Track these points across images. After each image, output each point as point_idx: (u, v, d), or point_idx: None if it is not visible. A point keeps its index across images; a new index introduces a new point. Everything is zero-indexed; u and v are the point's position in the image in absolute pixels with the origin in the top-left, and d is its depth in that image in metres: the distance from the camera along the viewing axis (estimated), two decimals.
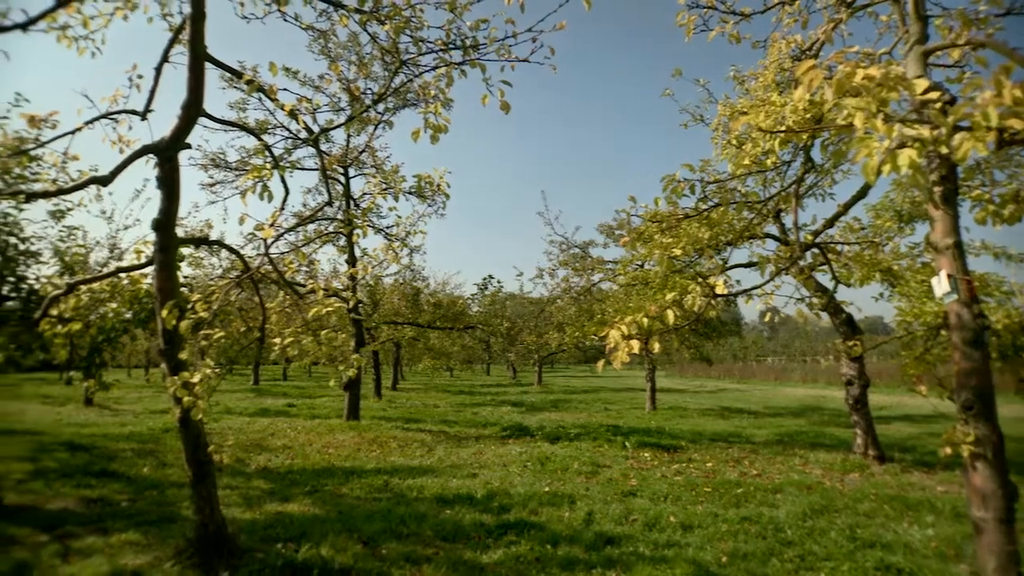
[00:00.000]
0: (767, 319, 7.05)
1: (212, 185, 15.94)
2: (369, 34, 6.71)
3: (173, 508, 7.20)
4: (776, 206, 9.70)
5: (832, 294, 10.32)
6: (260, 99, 13.92)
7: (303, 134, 12.84)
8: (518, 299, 34.60)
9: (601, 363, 4.45)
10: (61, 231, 8.73)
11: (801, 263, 8.35)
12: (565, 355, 43.22)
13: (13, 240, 8.23)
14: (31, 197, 5.75)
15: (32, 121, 6.13)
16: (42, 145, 6.06)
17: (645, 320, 4.25)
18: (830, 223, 9.93)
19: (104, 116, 6.13)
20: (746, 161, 5.75)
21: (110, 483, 8.41)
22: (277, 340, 4.73)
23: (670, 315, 4.34)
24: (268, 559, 5.38)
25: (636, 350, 4.14)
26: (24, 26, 5.41)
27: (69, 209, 8.90)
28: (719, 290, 4.83)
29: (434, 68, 6.16)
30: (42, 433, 12.63)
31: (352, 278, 12.70)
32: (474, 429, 15.14)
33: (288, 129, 15.00)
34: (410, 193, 14.81)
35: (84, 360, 8.15)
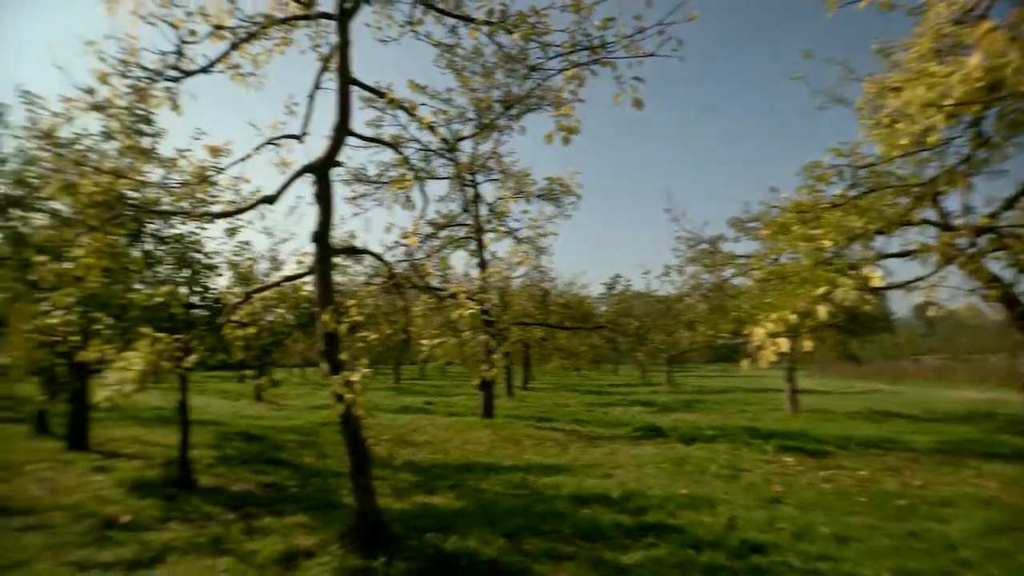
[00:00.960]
0: (929, 313, 6.28)
1: (355, 198, 17.22)
2: (496, 44, 6.93)
3: (334, 495, 7.87)
4: (936, 188, 8.61)
5: (1012, 285, 8.95)
6: (394, 115, 14.82)
7: (433, 145, 13.55)
8: (645, 297, 33.83)
9: (745, 362, 4.23)
10: (235, 247, 9.89)
11: (972, 250, 7.35)
12: (695, 354, 41.48)
13: (198, 256, 9.42)
14: (216, 217, 6.57)
15: (213, 151, 7.00)
16: (221, 171, 6.89)
17: (792, 317, 3.97)
18: (1009, 204, 8.61)
19: (269, 142, 6.84)
20: (903, 141, 5.16)
21: (280, 470, 9.41)
22: (425, 341, 5.00)
23: (821, 310, 4.02)
24: (420, 548, 5.70)
25: (784, 348, 3.89)
26: (206, 69, 6.20)
27: (240, 227, 10.10)
28: (874, 283, 4.38)
29: (562, 71, 6.22)
30: (223, 424, 14.43)
31: (484, 281, 13.14)
32: (606, 429, 15.03)
33: (419, 141, 15.83)
34: (539, 196, 14.99)
35: (257, 360, 9.18)
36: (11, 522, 6.44)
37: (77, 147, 8.85)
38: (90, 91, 5.91)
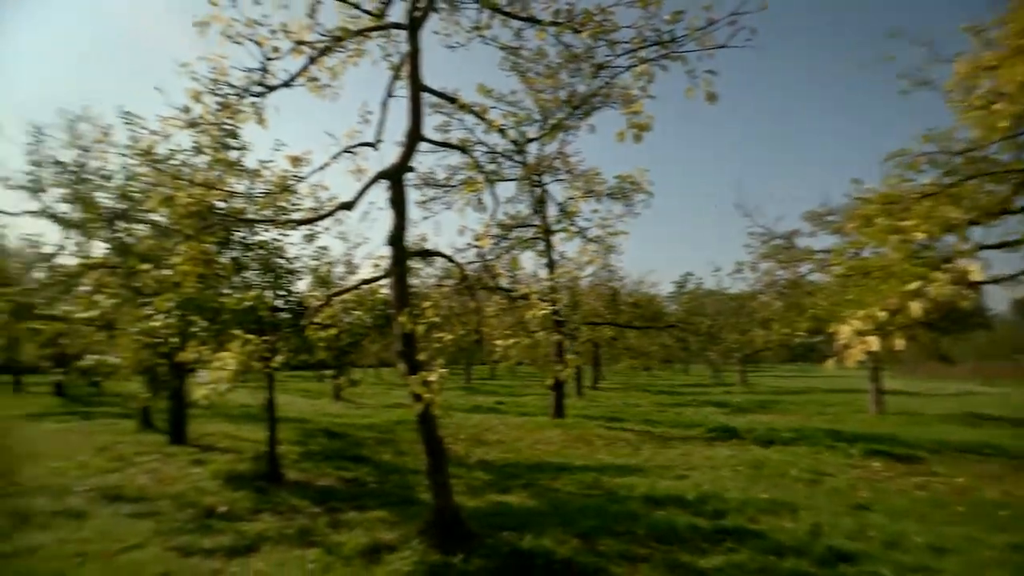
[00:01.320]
0: None
1: (424, 202, 17.64)
2: (563, 44, 6.92)
3: (412, 492, 8.09)
4: None
5: None
6: (461, 119, 15.04)
7: (500, 147, 13.67)
8: (717, 295, 32.89)
9: (831, 362, 4.04)
10: (314, 252, 10.37)
11: None
12: (770, 353, 39.88)
13: (281, 261, 9.91)
14: (299, 224, 6.90)
15: (294, 161, 7.36)
16: (302, 180, 7.23)
17: (882, 314, 3.76)
18: None
19: (345, 150, 7.11)
20: (1001, 123, 4.77)
21: (361, 467, 9.76)
22: (499, 341, 5.07)
23: (915, 307, 3.78)
24: (496, 545, 5.77)
25: (874, 347, 3.68)
26: (288, 83, 6.52)
27: (318, 232, 10.63)
28: (974, 277, 4.06)
29: (629, 67, 6.15)
30: (306, 421, 15.13)
31: (554, 281, 13.15)
32: (678, 429, 14.71)
33: (486, 144, 16.00)
34: (609, 195, 14.82)
35: (337, 360, 9.59)
36: (125, 508, 7.02)
37: (172, 162, 9.52)
38: (186, 109, 6.36)
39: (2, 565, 5.26)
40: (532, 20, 6.66)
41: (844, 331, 3.75)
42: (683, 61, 5.54)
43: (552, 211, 17.06)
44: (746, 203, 28.53)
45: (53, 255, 21.22)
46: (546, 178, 17.99)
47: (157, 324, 7.80)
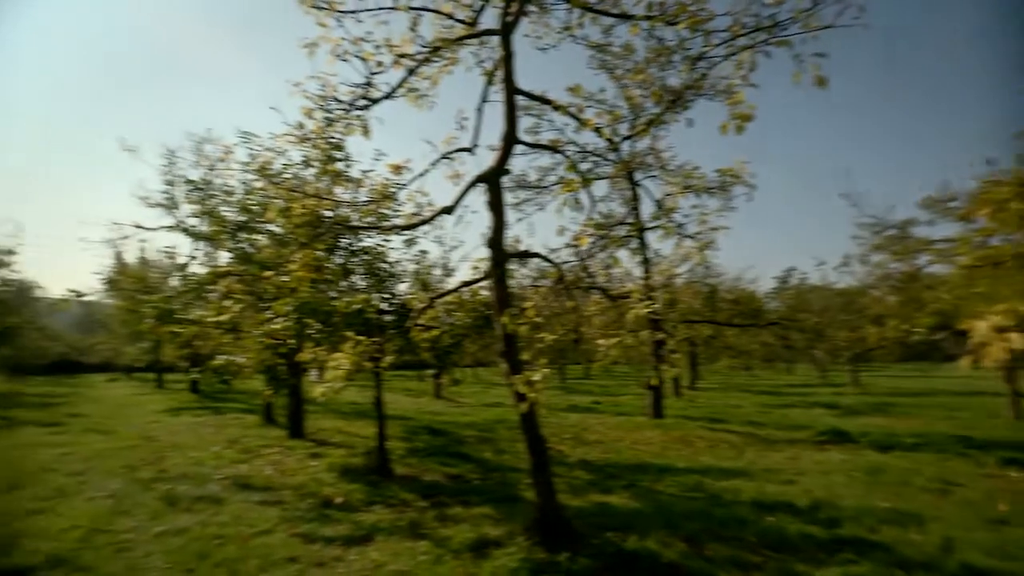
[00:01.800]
0: None
1: (518, 204, 17.81)
2: (656, 38, 6.76)
3: (514, 489, 8.21)
4: None
5: None
6: (551, 120, 15.05)
7: (590, 146, 13.56)
8: (822, 291, 30.89)
9: (965, 361, 3.68)
10: (415, 255, 10.79)
11: None
12: (884, 352, 36.83)
13: (384, 266, 10.39)
14: (403, 229, 7.20)
15: (396, 169, 7.69)
16: (404, 187, 7.54)
17: None
18: None
19: (443, 156, 7.34)
20: None
21: (463, 463, 10.04)
22: (602, 341, 5.04)
23: None
24: (600, 546, 5.75)
25: (1018, 344, 3.32)
26: (389, 95, 6.83)
27: (417, 237, 11.06)
28: None
29: (728, 56, 5.90)
30: (410, 419, 15.77)
31: (650, 279, 12.87)
32: (784, 432, 13.96)
33: (576, 143, 15.89)
34: (709, 190, 14.30)
35: (439, 360, 9.91)
36: (254, 496, 7.65)
37: (284, 176, 10.24)
38: (299, 126, 6.83)
39: (157, 543, 5.89)
40: (624, 16, 6.57)
41: (980, 327, 3.43)
42: (788, 45, 5.26)
43: (645, 208, 16.75)
44: (855, 192, 26.46)
45: (186, 265, 23.59)
46: (638, 175, 17.65)
47: (277, 327, 8.38)
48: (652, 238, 16.00)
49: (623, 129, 12.02)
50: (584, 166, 16.54)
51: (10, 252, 23.69)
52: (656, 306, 6.12)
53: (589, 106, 6.94)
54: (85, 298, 13.92)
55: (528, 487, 7.73)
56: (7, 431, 13.41)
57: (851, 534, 6.17)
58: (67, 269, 73.84)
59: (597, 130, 6.11)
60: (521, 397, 5.11)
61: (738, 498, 7.76)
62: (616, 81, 14.70)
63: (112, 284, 24.47)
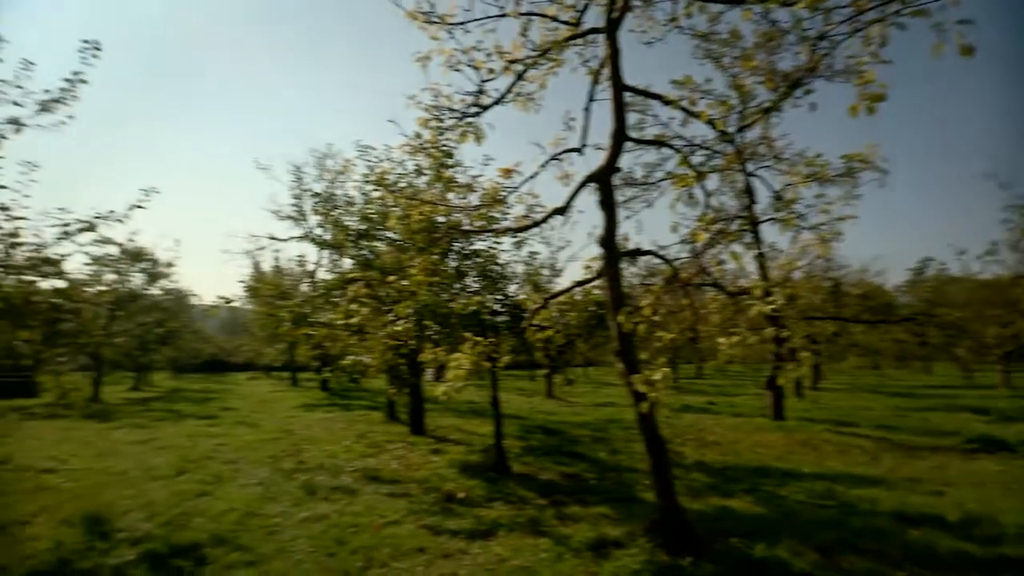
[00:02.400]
0: None
1: (625, 202, 17.52)
2: (770, 21, 6.40)
3: (631, 490, 8.13)
4: None
5: None
6: (656, 115, 14.65)
7: (696, 139, 13.01)
8: (964, 282, 27.74)
9: None
10: (526, 256, 10.99)
11: None
12: None
13: (495, 268, 10.66)
14: (516, 232, 7.36)
15: (506, 173, 7.87)
16: (515, 190, 7.69)
17: None
18: None
19: (553, 158, 7.40)
20: None
21: (578, 463, 10.07)
22: (723, 340, 4.87)
23: None
24: (725, 552, 5.55)
25: None
26: (499, 100, 7.01)
27: (526, 238, 11.25)
28: None
29: (855, 32, 5.46)
30: (524, 418, 16.03)
31: (767, 274, 12.20)
32: (925, 438, 12.73)
33: (682, 137, 15.34)
34: (836, 178, 13.30)
35: (552, 360, 10.02)
36: (383, 488, 8.14)
37: (399, 185, 10.79)
38: (417, 136, 7.19)
39: (301, 527, 6.44)
40: (737, 1, 6.29)
41: None
42: (926, 15, 4.78)
43: (762, 200, 15.84)
44: (1002, 174, 23.53)
45: (314, 272, 25.55)
46: (750, 166, 16.73)
47: (399, 328, 8.87)
48: (767, 231, 15.14)
49: (733, 119, 11.48)
50: (694, 159, 15.97)
51: (170, 264, 26.81)
52: (779, 302, 5.81)
53: (701, 97, 6.68)
54: (231, 304, 15.49)
55: (645, 488, 7.63)
56: (174, 422, 15.24)
57: (1015, 553, 5.55)
58: (214, 278, 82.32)
59: (711, 122, 5.89)
60: (640, 397, 5.05)
61: (876, 508, 7.24)
62: (723, 70, 14.05)
63: (252, 291, 27.04)
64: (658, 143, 7.87)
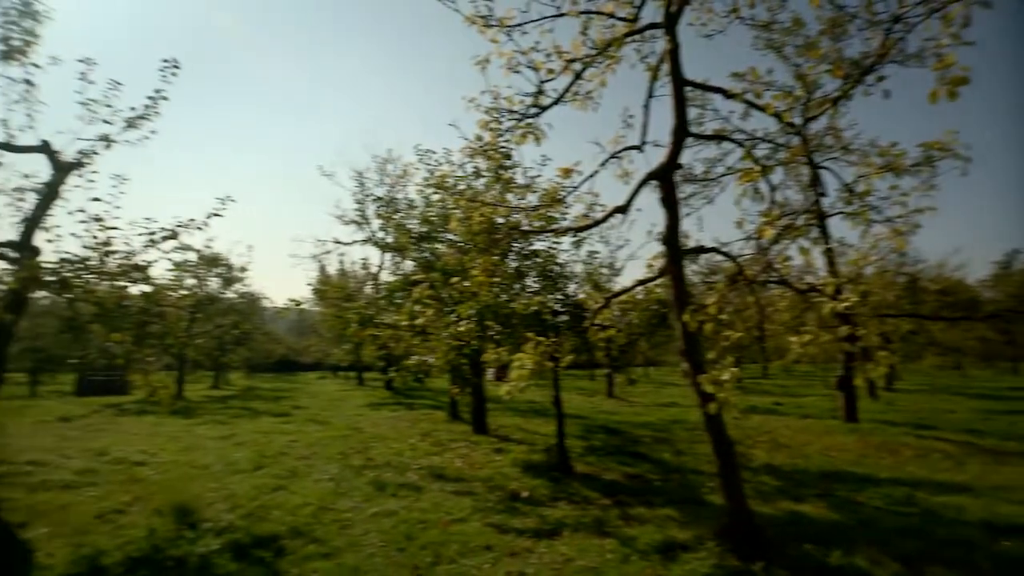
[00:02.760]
0: None
1: (686, 198, 17.13)
2: (838, 7, 6.14)
3: (696, 492, 7.97)
4: None
5: None
6: (715, 110, 14.25)
7: (758, 132, 12.57)
8: None
9: None
10: (586, 256, 10.97)
11: None
12: None
13: (555, 267, 10.67)
14: (578, 231, 7.36)
15: (566, 173, 7.86)
16: (574, 189, 7.68)
17: None
18: None
19: (612, 156, 7.34)
20: None
21: (641, 463, 9.96)
22: (794, 339, 4.72)
23: None
24: (799, 558, 5.38)
25: None
26: (558, 100, 7.03)
27: (584, 238, 11.20)
28: None
29: (932, 13, 5.18)
30: (585, 418, 15.97)
31: (837, 270, 11.67)
32: (1016, 443, 11.90)
33: (743, 131, 14.84)
34: (912, 168, 12.59)
35: (614, 360, 9.95)
36: (448, 486, 8.31)
37: (459, 187, 10.96)
38: (478, 138, 7.30)
39: (371, 522, 6.66)
40: None
41: None
42: None
43: (831, 193, 15.17)
44: None
45: (377, 274, 26.31)
46: (816, 158, 16.02)
47: (461, 329, 9.02)
48: (835, 225, 14.47)
49: (797, 110, 11.01)
50: (757, 153, 15.44)
51: (244, 269, 28.22)
52: (853, 299, 5.57)
53: (764, 89, 6.48)
54: (300, 306, 16.14)
55: (712, 490, 7.47)
56: (251, 419, 16.04)
57: None
58: (284, 281, 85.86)
59: (777, 115, 5.71)
60: (707, 397, 4.96)
61: (962, 517, 6.84)
62: (785, 60, 13.51)
63: (319, 293, 28.07)
64: (720, 138, 7.69)
